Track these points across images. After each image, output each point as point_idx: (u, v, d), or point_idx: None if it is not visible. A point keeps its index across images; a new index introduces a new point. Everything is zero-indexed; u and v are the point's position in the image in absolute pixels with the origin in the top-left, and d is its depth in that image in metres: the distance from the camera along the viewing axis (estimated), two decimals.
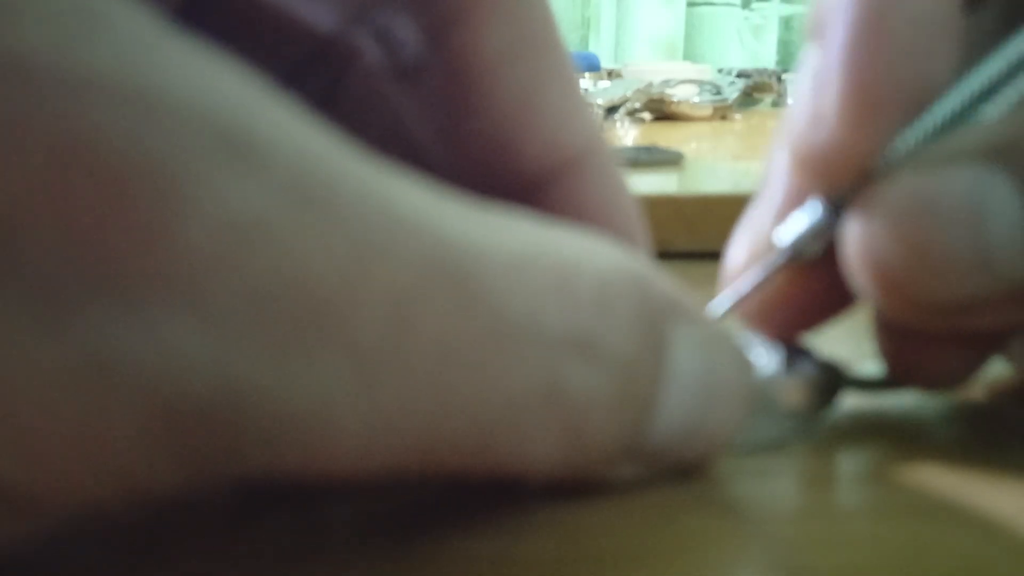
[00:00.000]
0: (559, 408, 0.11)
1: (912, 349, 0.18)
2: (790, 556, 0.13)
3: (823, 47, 0.16)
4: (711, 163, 0.51)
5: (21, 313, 0.08)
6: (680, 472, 0.14)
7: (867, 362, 0.19)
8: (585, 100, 0.17)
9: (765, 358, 0.18)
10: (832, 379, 0.18)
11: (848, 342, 0.20)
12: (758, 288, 0.18)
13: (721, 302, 0.18)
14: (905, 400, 0.19)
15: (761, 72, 0.95)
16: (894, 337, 0.18)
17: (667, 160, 0.47)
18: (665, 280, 0.13)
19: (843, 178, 0.16)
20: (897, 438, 0.17)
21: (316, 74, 0.17)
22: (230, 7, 0.16)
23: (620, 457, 0.13)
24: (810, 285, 0.18)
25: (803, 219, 0.17)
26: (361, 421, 0.10)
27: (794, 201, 0.18)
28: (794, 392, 0.17)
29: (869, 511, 0.14)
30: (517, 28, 0.15)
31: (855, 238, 0.16)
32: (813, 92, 0.16)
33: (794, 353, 0.18)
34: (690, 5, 1.66)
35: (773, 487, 0.15)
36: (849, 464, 0.16)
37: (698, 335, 0.13)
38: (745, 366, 0.14)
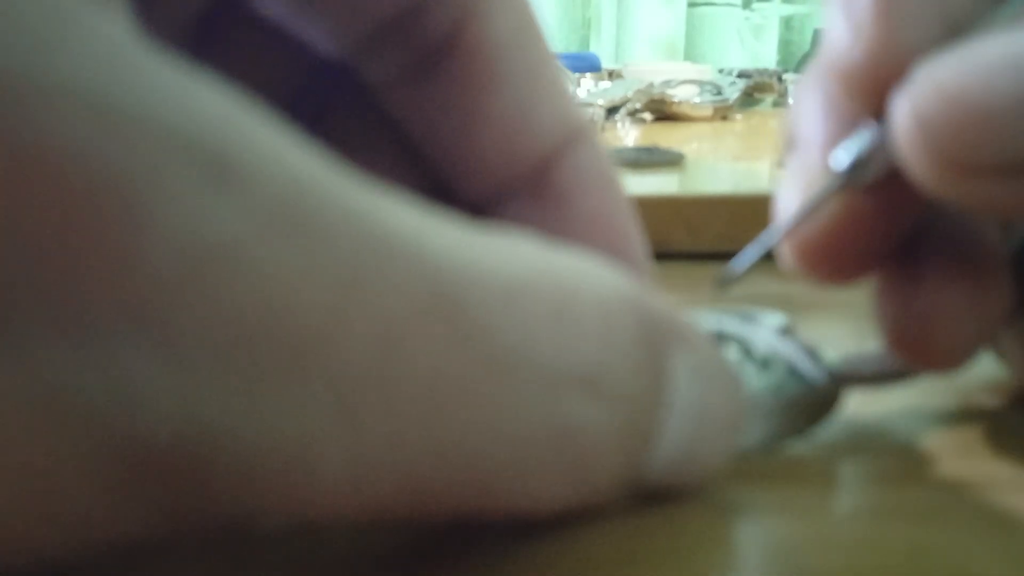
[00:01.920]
0: (563, 447, 0.11)
1: (917, 318, 0.18)
2: (790, 557, 0.13)
3: None
4: (712, 163, 0.51)
5: None
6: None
7: (869, 353, 0.19)
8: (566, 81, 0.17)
9: (771, 345, 0.18)
10: (834, 389, 0.18)
11: (850, 335, 0.20)
12: (814, 212, 0.17)
13: (775, 231, 0.18)
14: (905, 401, 0.19)
15: (762, 72, 0.95)
16: (898, 308, 0.18)
17: (668, 160, 0.47)
18: (659, 300, 0.13)
19: (889, 85, 0.16)
20: (897, 440, 0.17)
21: (318, 95, 0.17)
22: (236, 30, 0.16)
23: (622, 488, 0.13)
24: (865, 222, 0.18)
25: (859, 140, 0.17)
26: (344, 462, 0.09)
27: (841, 130, 0.18)
28: (794, 407, 0.17)
29: (868, 513, 0.14)
30: (515, 16, 0.16)
31: (902, 103, 0.16)
32: (845, 9, 0.16)
33: (800, 355, 0.18)
34: (691, 5, 1.66)
35: (773, 488, 0.15)
36: (849, 465, 0.16)
37: (695, 361, 0.13)
38: (738, 390, 0.14)
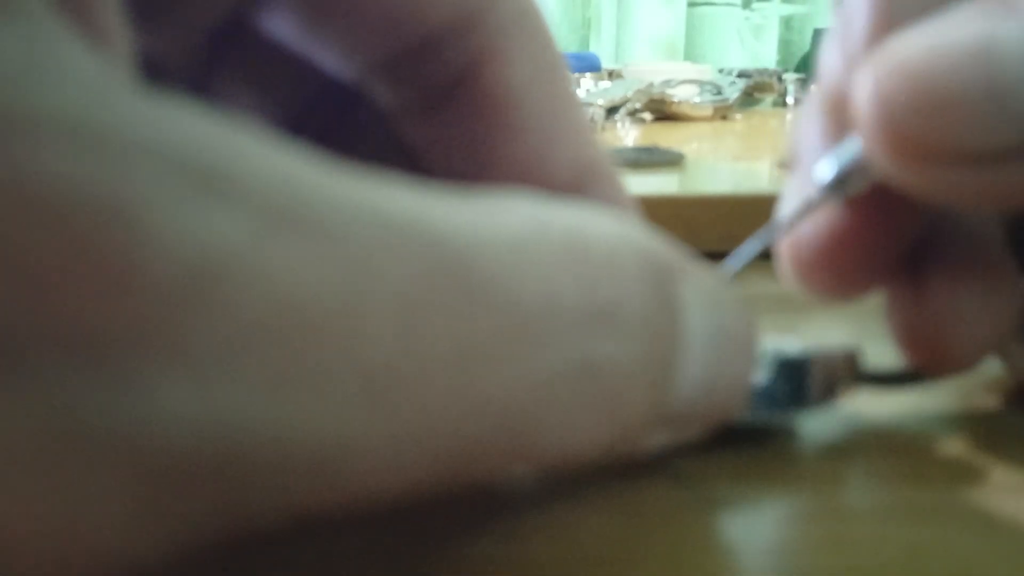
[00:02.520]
0: (592, 385, 0.11)
1: (929, 322, 0.18)
2: (791, 557, 0.13)
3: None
4: (712, 163, 0.51)
5: None
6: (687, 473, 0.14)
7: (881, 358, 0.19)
8: (587, 119, 0.17)
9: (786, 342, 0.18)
10: (851, 366, 0.18)
11: (850, 335, 0.20)
12: (796, 222, 0.18)
13: (759, 237, 0.18)
14: (905, 401, 0.19)
15: (762, 72, 0.95)
16: (908, 312, 0.18)
17: (668, 160, 0.47)
18: (663, 241, 0.13)
19: None
20: (897, 439, 0.17)
21: (337, 118, 0.17)
22: (252, 51, 0.16)
23: (652, 424, 0.13)
24: (862, 230, 0.18)
25: (844, 151, 0.17)
26: (382, 442, 0.09)
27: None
28: (817, 376, 0.17)
29: (870, 512, 0.14)
30: (539, 60, 0.16)
31: (865, 88, 0.15)
32: (841, 38, 0.16)
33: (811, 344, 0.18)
34: (690, 5, 1.66)
35: (773, 488, 0.15)
36: (850, 465, 0.16)
37: (705, 291, 0.13)
38: (749, 316, 0.14)
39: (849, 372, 0.18)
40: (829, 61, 0.17)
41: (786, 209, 0.19)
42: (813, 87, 0.19)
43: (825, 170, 0.17)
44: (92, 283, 0.07)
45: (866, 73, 0.15)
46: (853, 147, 0.17)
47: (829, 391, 0.17)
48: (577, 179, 0.16)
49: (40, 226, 0.07)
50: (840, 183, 0.17)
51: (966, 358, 0.18)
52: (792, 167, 0.19)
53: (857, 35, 0.16)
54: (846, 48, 0.16)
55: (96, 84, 0.08)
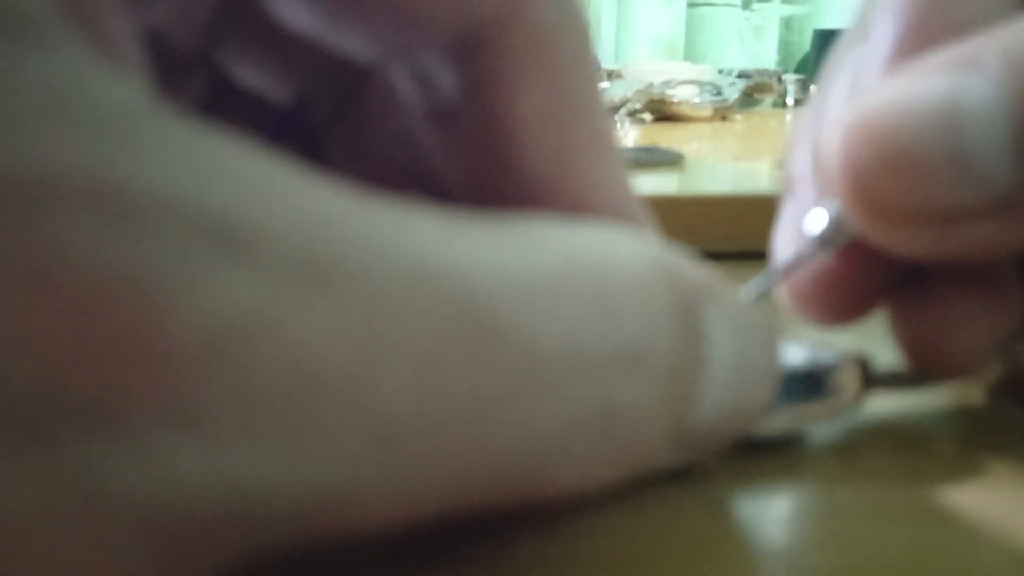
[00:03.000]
0: (610, 429, 0.11)
1: (932, 328, 0.18)
2: (790, 556, 0.13)
3: (868, 44, 0.17)
4: (712, 164, 0.51)
5: None
6: (681, 473, 0.14)
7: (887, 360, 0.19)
8: (620, 164, 0.16)
9: (795, 352, 0.18)
10: (861, 374, 0.18)
11: (851, 335, 0.20)
12: (789, 274, 0.18)
13: (754, 287, 0.18)
14: (905, 400, 0.19)
15: (762, 72, 0.95)
16: (911, 320, 0.18)
17: (668, 161, 0.47)
18: (688, 261, 0.13)
19: None
20: (899, 438, 0.17)
21: (343, 101, 0.16)
22: (264, 35, 0.15)
23: (667, 450, 0.13)
24: (857, 267, 0.18)
25: (830, 208, 0.17)
26: (391, 487, 0.09)
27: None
28: (837, 381, 0.17)
29: (869, 512, 0.14)
30: (555, 92, 0.15)
31: (833, 146, 0.15)
32: (855, 88, 0.16)
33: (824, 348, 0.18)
34: (690, 5, 1.66)
35: (773, 487, 0.15)
36: (852, 464, 0.16)
37: (729, 315, 0.13)
38: (773, 340, 0.14)
39: (859, 380, 0.18)
40: (836, 110, 0.17)
41: (782, 233, 0.19)
42: (805, 109, 0.19)
43: (815, 223, 0.17)
44: (110, 354, 0.07)
45: (835, 131, 0.15)
46: (837, 203, 0.17)
47: (840, 402, 0.17)
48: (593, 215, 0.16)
49: (59, 301, 0.07)
50: (830, 235, 0.17)
51: (969, 363, 0.18)
52: (786, 191, 0.20)
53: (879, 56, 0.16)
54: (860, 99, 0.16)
55: (121, 128, 0.08)
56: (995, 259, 0.17)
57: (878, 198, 0.15)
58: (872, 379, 0.18)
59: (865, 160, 0.15)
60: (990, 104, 0.15)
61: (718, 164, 0.52)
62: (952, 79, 0.15)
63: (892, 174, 0.15)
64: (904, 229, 0.15)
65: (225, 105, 0.16)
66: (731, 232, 0.34)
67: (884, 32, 0.16)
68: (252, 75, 0.16)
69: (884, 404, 0.19)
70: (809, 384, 0.17)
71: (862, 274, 0.18)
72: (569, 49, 0.15)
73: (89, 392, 0.07)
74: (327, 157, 0.16)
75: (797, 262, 0.18)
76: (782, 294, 0.19)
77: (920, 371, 0.18)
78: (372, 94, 0.16)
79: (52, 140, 0.07)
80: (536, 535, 0.13)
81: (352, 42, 0.15)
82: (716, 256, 0.20)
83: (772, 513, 0.14)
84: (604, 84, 0.84)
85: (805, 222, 0.18)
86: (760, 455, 0.16)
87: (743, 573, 0.13)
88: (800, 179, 0.19)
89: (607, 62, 1.19)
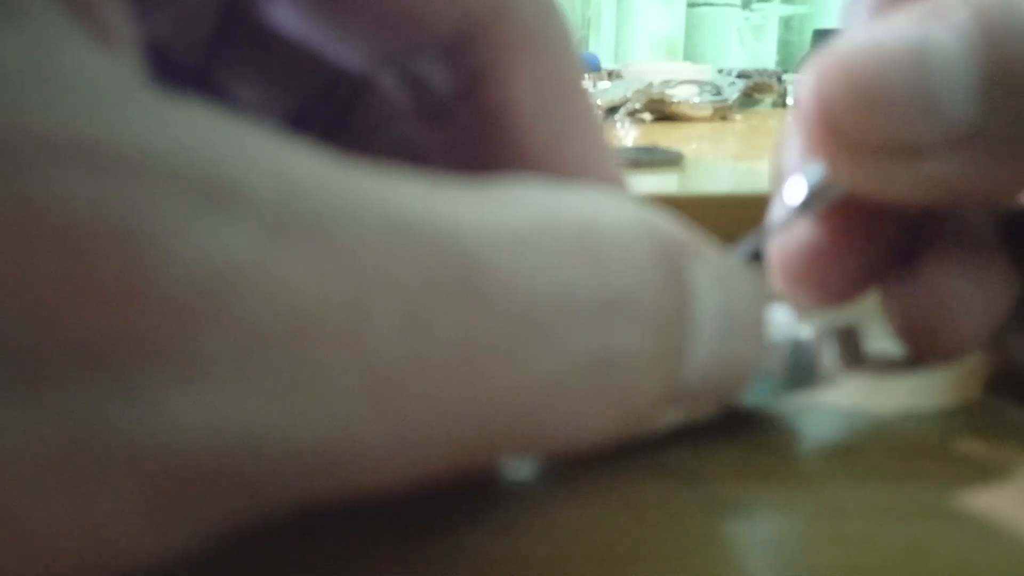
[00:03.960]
0: (603, 376, 0.11)
1: (923, 310, 0.18)
2: (790, 555, 0.13)
3: (851, 6, 0.18)
4: (711, 163, 0.51)
5: None
6: (684, 474, 0.14)
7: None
8: (607, 143, 0.17)
9: (782, 315, 0.18)
10: (851, 344, 0.18)
11: (857, 310, 0.20)
12: (778, 231, 0.19)
13: (740, 252, 0.19)
14: (904, 399, 0.19)
15: (761, 72, 0.95)
16: (903, 300, 0.18)
17: (667, 160, 0.47)
18: (671, 221, 0.13)
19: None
20: (896, 437, 0.17)
21: (341, 113, 0.16)
22: (256, 42, 0.16)
23: (663, 404, 0.13)
24: (846, 245, 0.19)
25: (811, 172, 0.18)
26: (390, 438, 0.09)
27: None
28: (815, 356, 0.17)
29: (869, 510, 0.14)
30: (548, 80, 0.16)
31: (805, 82, 0.16)
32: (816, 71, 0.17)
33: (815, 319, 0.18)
34: (690, 5, 1.66)
35: (773, 487, 0.15)
36: (849, 462, 0.16)
37: (716, 271, 0.13)
38: (760, 296, 0.14)
39: (848, 350, 0.18)
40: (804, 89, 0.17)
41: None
42: (794, 108, 0.20)
43: (795, 188, 0.18)
44: (100, 297, 0.08)
45: (809, 71, 0.16)
46: (819, 167, 0.18)
47: (827, 371, 0.17)
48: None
49: (52, 248, 0.07)
50: (809, 200, 0.18)
51: (961, 344, 0.18)
52: (777, 184, 0.20)
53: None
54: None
55: (104, 92, 0.08)
56: (961, 204, 0.18)
57: (846, 131, 0.16)
58: (860, 353, 0.18)
59: (835, 95, 0.16)
60: (956, 48, 0.16)
61: (718, 164, 0.52)
62: (922, 26, 0.16)
63: (860, 108, 0.16)
64: (870, 164, 0.16)
65: None
66: (731, 232, 0.34)
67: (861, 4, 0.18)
68: (251, 89, 0.16)
69: (884, 404, 0.19)
70: (794, 354, 0.17)
71: (852, 253, 0.19)
72: (555, 34, 0.16)
73: (81, 333, 0.08)
74: None
75: (784, 223, 0.18)
76: (775, 277, 0.19)
77: (912, 351, 0.18)
78: (367, 104, 0.16)
79: (36, 101, 0.08)
80: (536, 535, 0.13)
81: (349, 50, 0.15)
82: None
83: (772, 513, 0.14)
84: (604, 84, 0.84)
85: (785, 188, 0.19)
86: (753, 448, 0.16)
87: (742, 573, 0.13)
88: (788, 173, 0.19)
89: (607, 62, 1.19)
